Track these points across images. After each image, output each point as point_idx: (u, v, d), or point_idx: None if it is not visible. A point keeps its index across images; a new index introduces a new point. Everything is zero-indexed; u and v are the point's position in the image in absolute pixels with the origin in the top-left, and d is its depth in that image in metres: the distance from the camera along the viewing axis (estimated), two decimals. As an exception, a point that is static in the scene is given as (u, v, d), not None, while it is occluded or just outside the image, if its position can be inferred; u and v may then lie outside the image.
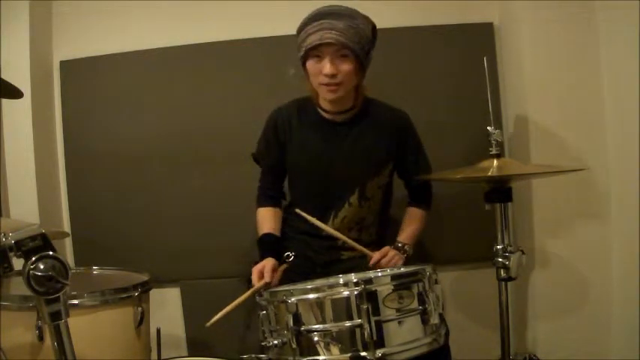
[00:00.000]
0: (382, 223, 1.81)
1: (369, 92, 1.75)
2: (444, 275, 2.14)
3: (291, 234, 1.79)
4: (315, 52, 1.56)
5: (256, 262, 1.63)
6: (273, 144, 1.76)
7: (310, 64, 1.59)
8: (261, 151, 1.81)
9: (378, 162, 1.72)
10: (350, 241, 1.63)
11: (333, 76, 1.55)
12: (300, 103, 1.77)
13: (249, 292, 1.50)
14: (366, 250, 1.64)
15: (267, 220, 1.76)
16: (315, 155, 1.72)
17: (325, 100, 1.67)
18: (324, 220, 1.68)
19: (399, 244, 1.71)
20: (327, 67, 1.55)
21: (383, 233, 1.81)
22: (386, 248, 1.67)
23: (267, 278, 1.54)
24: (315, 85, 1.63)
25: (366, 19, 1.61)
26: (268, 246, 1.70)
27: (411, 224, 1.78)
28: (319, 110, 1.72)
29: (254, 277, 1.57)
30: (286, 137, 1.74)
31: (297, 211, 1.63)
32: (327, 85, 1.58)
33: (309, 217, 1.61)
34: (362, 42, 1.57)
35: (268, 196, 1.81)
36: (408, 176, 1.81)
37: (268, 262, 1.60)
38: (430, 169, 1.80)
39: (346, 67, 1.56)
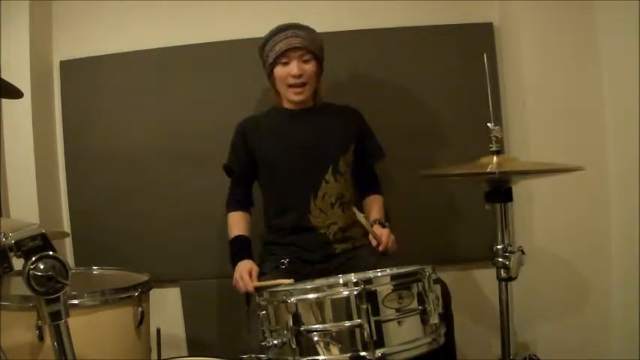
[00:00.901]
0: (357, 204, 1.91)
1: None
2: (444, 275, 2.13)
3: (279, 240, 1.84)
4: (282, 58, 1.78)
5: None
6: (242, 151, 1.88)
7: (278, 69, 1.80)
8: (232, 159, 1.92)
9: (344, 138, 1.87)
10: (368, 225, 1.71)
11: (299, 76, 1.77)
12: (265, 112, 1.96)
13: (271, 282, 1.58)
14: (373, 231, 1.73)
15: (237, 223, 1.87)
16: (287, 141, 1.84)
17: (290, 102, 1.85)
18: (307, 204, 1.79)
19: (382, 221, 1.82)
20: (294, 68, 1.77)
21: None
22: (383, 231, 1.75)
23: (253, 283, 1.65)
24: (284, 89, 1.83)
25: (316, 32, 1.84)
26: (243, 248, 1.80)
27: (379, 207, 1.93)
28: (283, 109, 1.90)
29: (245, 276, 1.66)
30: (255, 140, 1.87)
31: (354, 210, 1.71)
32: (293, 86, 1.79)
33: (359, 215, 1.70)
34: (319, 48, 1.83)
35: (237, 201, 1.92)
36: (364, 162, 1.94)
37: (254, 266, 1.71)
38: (384, 154, 1.95)
39: (310, 68, 1.79)
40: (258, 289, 1.61)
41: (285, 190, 1.84)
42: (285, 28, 1.79)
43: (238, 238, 1.82)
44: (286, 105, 1.89)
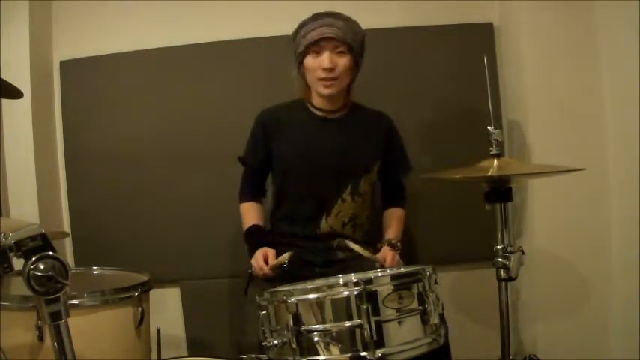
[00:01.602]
0: (370, 224, 1.86)
1: (356, 96, 1.83)
2: (444, 275, 2.14)
3: (282, 240, 1.81)
4: (314, 47, 1.64)
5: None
6: (261, 144, 1.80)
7: (309, 59, 1.66)
8: (249, 151, 1.85)
9: (370, 157, 1.78)
10: (365, 252, 1.65)
11: (331, 70, 1.63)
12: (289, 104, 1.82)
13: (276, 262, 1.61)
14: (374, 257, 1.66)
15: (250, 213, 1.82)
16: (308, 150, 1.75)
17: (320, 96, 1.73)
18: (317, 220, 1.75)
19: (393, 242, 1.74)
20: (326, 60, 1.62)
21: (371, 235, 1.85)
22: (388, 253, 1.68)
23: (272, 259, 1.62)
24: (313, 80, 1.69)
25: (358, 24, 1.70)
26: (258, 237, 1.76)
27: (397, 223, 1.84)
28: (311, 108, 1.77)
29: (259, 261, 1.63)
30: (275, 136, 1.77)
31: (347, 242, 1.68)
32: (324, 79, 1.65)
33: (354, 246, 1.66)
34: (358, 41, 1.68)
35: (249, 191, 1.87)
36: (390, 175, 1.87)
37: (269, 249, 1.66)
38: (412, 168, 1.88)
39: (343, 61, 1.65)
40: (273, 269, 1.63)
41: (297, 201, 1.78)
42: (323, 16, 1.64)
43: (252, 228, 1.78)
44: (316, 101, 1.76)
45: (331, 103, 1.75)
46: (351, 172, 1.75)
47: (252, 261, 1.68)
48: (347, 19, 1.67)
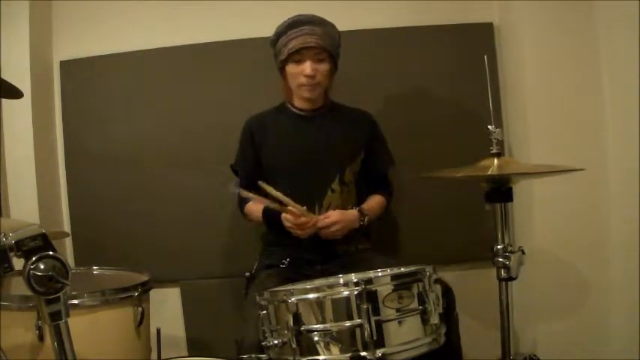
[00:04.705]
0: None
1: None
2: (444, 275, 2.13)
3: (280, 240, 1.81)
4: (296, 55, 1.73)
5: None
6: (249, 149, 1.86)
7: (291, 67, 1.76)
8: (239, 159, 1.90)
9: (353, 147, 1.84)
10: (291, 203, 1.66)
11: (312, 77, 1.73)
12: (274, 109, 1.91)
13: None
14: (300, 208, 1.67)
15: (257, 205, 1.82)
16: (295, 146, 1.82)
17: (301, 99, 1.82)
18: (312, 211, 1.75)
19: (364, 210, 1.79)
20: (308, 68, 1.72)
21: (367, 228, 1.87)
22: (342, 214, 1.72)
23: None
24: (295, 86, 1.79)
25: (334, 27, 1.79)
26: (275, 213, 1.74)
27: (375, 202, 1.88)
28: (292, 109, 1.86)
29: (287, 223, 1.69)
30: (262, 140, 1.84)
31: (260, 183, 1.65)
32: (306, 85, 1.75)
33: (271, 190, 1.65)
34: (335, 46, 1.78)
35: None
36: (374, 169, 1.92)
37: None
38: (394, 162, 1.94)
39: (323, 68, 1.75)
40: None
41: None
42: (302, 23, 1.72)
43: (265, 210, 1.79)
44: (297, 102, 1.85)
45: (311, 103, 1.84)
46: (336, 163, 1.81)
47: (285, 222, 1.69)
48: (324, 24, 1.75)
